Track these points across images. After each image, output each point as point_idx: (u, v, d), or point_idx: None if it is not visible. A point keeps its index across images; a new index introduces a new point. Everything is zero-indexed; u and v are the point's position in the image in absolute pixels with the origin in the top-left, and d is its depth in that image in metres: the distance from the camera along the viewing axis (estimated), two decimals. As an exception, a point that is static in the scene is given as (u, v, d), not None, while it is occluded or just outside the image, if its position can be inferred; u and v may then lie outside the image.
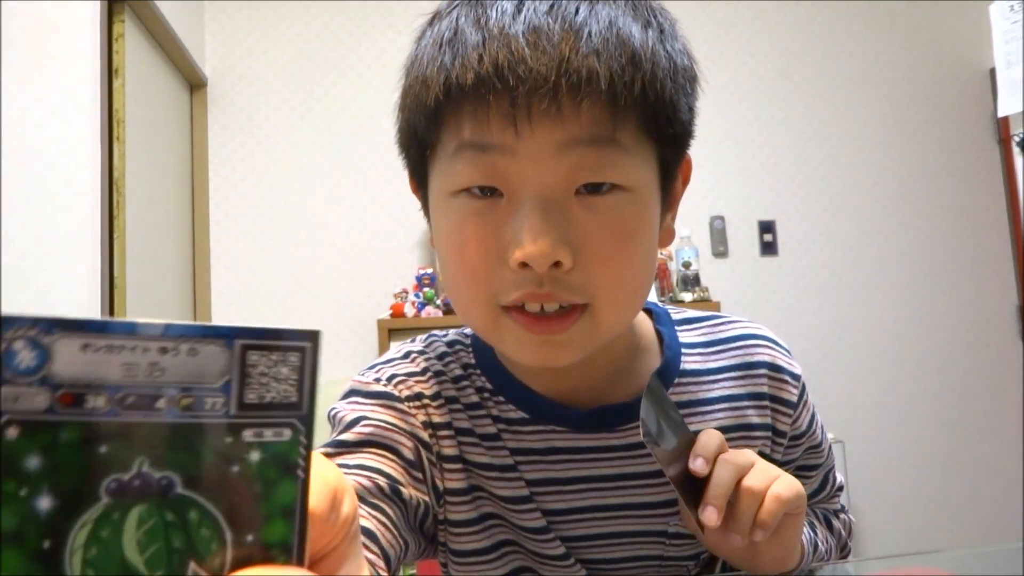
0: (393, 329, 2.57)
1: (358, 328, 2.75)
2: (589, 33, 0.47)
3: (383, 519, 0.51)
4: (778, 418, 0.65)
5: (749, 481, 0.52)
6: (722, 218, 3.13)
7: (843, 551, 0.72)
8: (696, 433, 0.55)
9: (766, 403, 0.64)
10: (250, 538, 0.33)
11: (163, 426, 0.31)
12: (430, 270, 2.79)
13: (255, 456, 0.33)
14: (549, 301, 0.49)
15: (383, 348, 2.57)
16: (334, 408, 0.59)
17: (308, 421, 0.35)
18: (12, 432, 0.29)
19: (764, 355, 0.65)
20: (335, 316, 2.83)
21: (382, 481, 0.52)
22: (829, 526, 0.71)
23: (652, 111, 0.50)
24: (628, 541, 0.61)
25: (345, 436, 0.55)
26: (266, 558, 0.33)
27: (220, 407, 0.33)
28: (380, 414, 0.56)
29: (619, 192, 0.50)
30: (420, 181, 0.57)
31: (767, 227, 3.14)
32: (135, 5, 2.52)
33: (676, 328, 0.65)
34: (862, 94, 3.30)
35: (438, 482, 0.58)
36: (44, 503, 0.29)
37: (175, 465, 0.31)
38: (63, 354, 0.30)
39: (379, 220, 2.99)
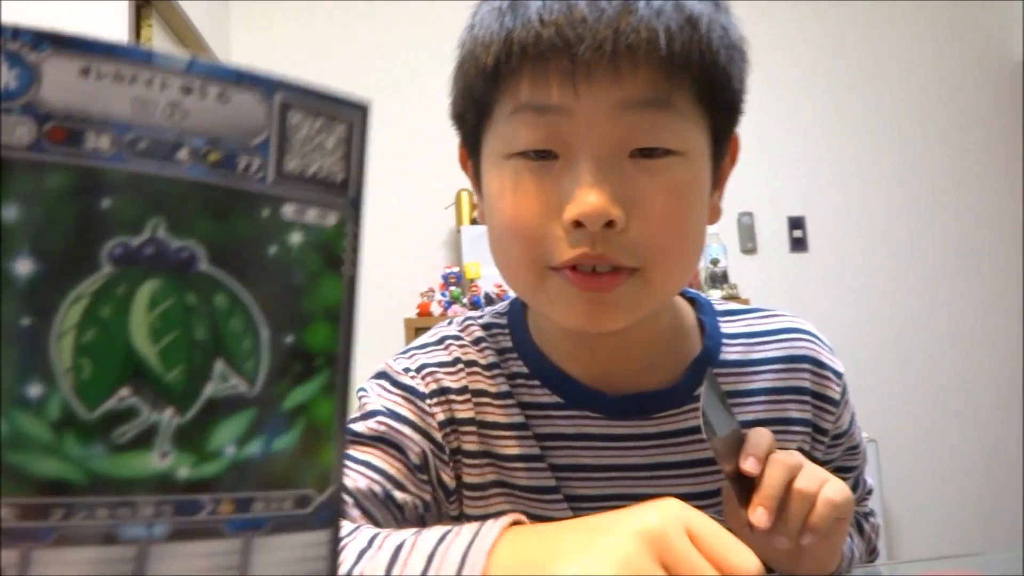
0: (420, 328, 2.47)
1: (385, 327, 2.62)
2: None
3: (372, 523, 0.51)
4: (821, 415, 0.63)
5: (801, 483, 0.50)
6: (750, 214, 3.05)
7: (871, 555, 0.70)
8: (745, 430, 0.53)
9: (808, 399, 0.63)
10: (290, 340, 0.25)
11: (185, 183, 0.24)
12: (456, 269, 2.71)
13: (296, 238, 0.26)
14: (602, 263, 0.49)
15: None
16: (362, 388, 0.59)
17: (356, 208, 0.27)
18: None
19: (807, 350, 0.64)
20: (361, 315, 2.74)
21: (377, 488, 0.53)
22: (860, 530, 0.69)
23: (707, 76, 0.50)
24: None
25: (359, 427, 0.55)
26: (309, 368, 0.25)
27: (256, 170, 0.25)
28: (399, 408, 0.57)
29: (673, 156, 0.50)
30: (472, 148, 0.57)
31: (797, 223, 3.08)
32: (161, 7, 2.50)
33: (718, 319, 0.64)
34: (892, 88, 3.19)
35: (446, 478, 0.57)
36: (23, 267, 0.22)
37: (199, 234, 0.24)
38: (55, 77, 0.23)
39: (405, 219, 2.91)
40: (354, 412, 0.57)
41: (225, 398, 0.24)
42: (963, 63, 3.21)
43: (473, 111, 0.54)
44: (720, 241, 2.88)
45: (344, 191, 0.27)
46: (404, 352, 0.62)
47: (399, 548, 0.40)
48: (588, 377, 0.59)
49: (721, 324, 0.64)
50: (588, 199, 0.47)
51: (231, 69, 0.25)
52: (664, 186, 0.49)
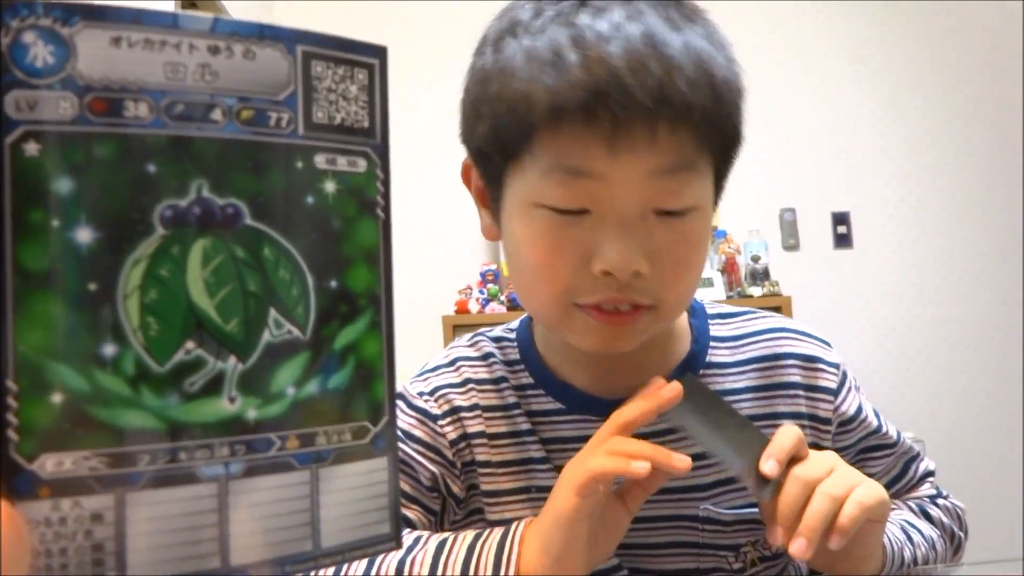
0: (457, 325, 2.46)
1: (424, 325, 2.61)
2: (681, 65, 0.49)
3: None
4: (817, 406, 0.65)
5: (827, 487, 0.51)
6: (792, 210, 2.93)
7: (954, 543, 0.68)
8: (768, 429, 0.54)
9: (799, 392, 0.65)
10: (333, 284, 0.27)
11: (222, 142, 0.25)
12: (494, 266, 2.66)
13: (330, 187, 0.27)
14: (623, 304, 0.53)
15: (448, 344, 2.50)
16: None
17: (383, 152, 0.28)
18: (32, 147, 0.23)
19: (791, 346, 0.66)
20: (400, 313, 2.66)
21: None
22: (928, 518, 0.68)
23: (727, 139, 0.54)
24: (662, 526, 0.62)
25: None
26: (353, 309, 0.27)
27: (287, 124, 0.26)
28: (413, 430, 0.63)
29: (690, 211, 0.54)
30: (491, 179, 0.58)
31: (841, 219, 2.96)
32: (206, 7, 2.41)
33: (709, 322, 0.68)
34: (941, 78, 2.99)
35: (456, 489, 0.63)
36: (83, 236, 0.23)
37: (241, 191, 0.25)
38: (89, 49, 0.24)
39: (443, 217, 2.84)
40: None
41: (281, 343, 0.26)
42: (1016, 53, 3.03)
43: (500, 154, 0.55)
44: (761, 237, 2.77)
45: (370, 136, 0.28)
46: (420, 375, 0.67)
47: (443, 543, 0.52)
48: (587, 383, 0.64)
49: (712, 327, 0.67)
50: (618, 255, 0.51)
51: (253, 24, 0.26)
52: (681, 237, 0.54)
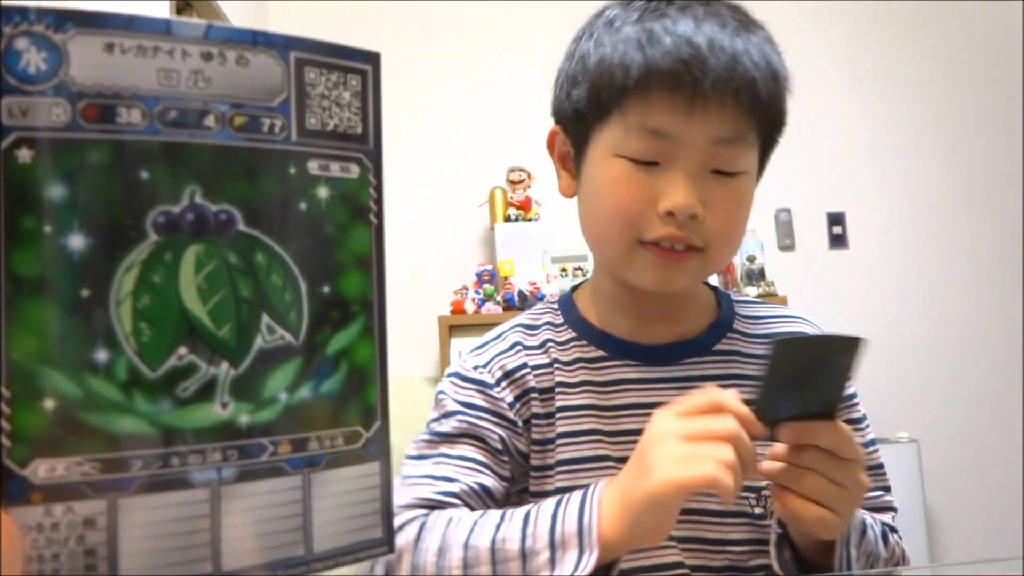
0: (453, 326, 2.45)
1: (419, 325, 2.59)
2: (748, 50, 0.62)
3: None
4: None
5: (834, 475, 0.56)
6: (788, 210, 2.98)
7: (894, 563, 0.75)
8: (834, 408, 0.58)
9: None
10: (326, 290, 0.27)
11: (215, 149, 0.25)
12: (490, 266, 2.66)
13: (323, 192, 0.27)
14: (680, 242, 0.64)
15: (444, 345, 2.48)
16: (440, 391, 0.72)
17: (375, 158, 0.28)
18: (24, 154, 0.23)
19: (806, 328, 0.76)
20: (396, 314, 2.64)
21: (472, 483, 0.65)
22: (885, 541, 0.72)
23: (775, 120, 0.67)
24: None
25: (445, 427, 0.68)
26: (346, 315, 0.27)
27: (279, 130, 0.26)
28: (475, 400, 0.69)
29: (739, 174, 0.66)
30: (579, 137, 0.70)
31: (836, 219, 3.02)
32: (200, 7, 2.43)
33: (733, 303, 0.78)
34: (937, 79, 3.02)
35: (521, 447, 0.69)
36: (76, 242, 0.23)
37: (233, 197, 0.25)
38: (82, 56, 0.24)
39: (439, 217, 2.86)
40: (434, 414, 0.70)
41: (274, 349, 0.26)
42: (1011, 55, 3.07)
43: (593, 112, 0.67)
44: (757, 237, 2.80)
45: (363, 142, 0.28)
46: (474, 350, 0.75)
47: (528, 513, 0.56)
48: (626, 332, 0.73)
49: (735, 307, 0.77)
50: (681, 198, 0.62)
51: (247, 31, 0.26)
52: (731, 194, 0.65)
